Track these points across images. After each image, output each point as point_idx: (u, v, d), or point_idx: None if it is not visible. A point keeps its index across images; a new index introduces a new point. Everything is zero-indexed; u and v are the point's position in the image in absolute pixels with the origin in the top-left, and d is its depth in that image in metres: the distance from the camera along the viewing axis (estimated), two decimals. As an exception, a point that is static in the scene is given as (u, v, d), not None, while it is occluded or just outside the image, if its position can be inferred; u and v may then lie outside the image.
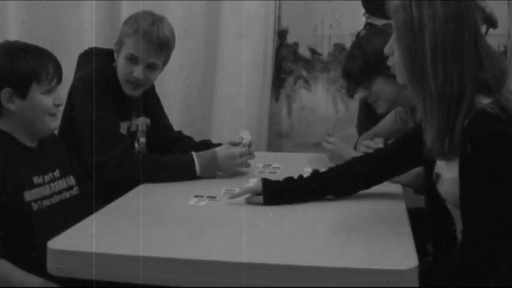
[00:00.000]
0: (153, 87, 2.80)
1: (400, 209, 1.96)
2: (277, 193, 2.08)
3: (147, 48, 2.52)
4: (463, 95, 1.73)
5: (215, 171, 2.50)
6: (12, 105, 2.02)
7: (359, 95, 2.68)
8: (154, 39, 2.52)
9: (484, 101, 1.72)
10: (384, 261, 1.56)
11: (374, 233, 1.76)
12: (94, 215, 1.94)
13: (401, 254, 1.60)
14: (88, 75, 2.50)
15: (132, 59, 2.53)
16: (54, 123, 2.14)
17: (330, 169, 2.17)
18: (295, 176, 2.13)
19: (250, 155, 2.58)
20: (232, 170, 2.53)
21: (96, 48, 2.71)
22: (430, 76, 1.75)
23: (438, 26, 1.75)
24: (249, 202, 2.07)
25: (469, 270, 1.68)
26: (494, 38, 3.23)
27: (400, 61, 1.84)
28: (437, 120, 1.76)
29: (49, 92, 2.07)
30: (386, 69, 2.17)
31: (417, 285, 1.51)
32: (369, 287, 1.50)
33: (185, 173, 2.46)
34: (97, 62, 2.57)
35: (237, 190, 2.11)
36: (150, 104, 2.80)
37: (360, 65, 2.49)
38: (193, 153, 2.50)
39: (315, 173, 2.15)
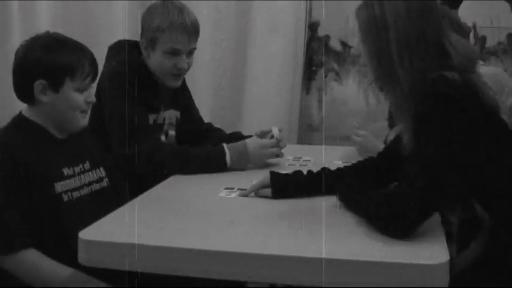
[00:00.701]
0: (183, 80, 2.81)
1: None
2: (285, 186, 2.08)
3: (187, 38, 2.53)
4: (419, 89, 1.74)
5: (246, 163, 2.50)
6: (44, 97, 2.03)
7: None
8: (190, 27, 2.54)
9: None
10: (415, 256, 1.55)
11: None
12: (125, 206, 1.95)
13: (432, 249, 1.59)
14: (116, 67, 2.51)
15: (173, 52, 2.54)
16: (84, 120, 2.13)
17: (338, 168, 2.17)
18: (305, 171, 2.13)
19: (281, 144, 2.58)
20: (262, 161, 2.53)
21: (123, 40, 2.72)
22: (399, 72, 1.76)
23: (401, 22, 1.76)
24: (258, 195, 2.08)
25: (392, 216, 1.66)
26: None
27: (367, 61, 1.84)
28: (411, 115, 1.76)
29: (82, 89, 2.08)
30: None
31: (448, 280, 1.50)
32: (400, 281, 1.50)
33: (216, 164, 2.46)
34: (124, 55, 2.57)
35: (248, 188, 2.11)
36: (181, 96, 2.81)
37: None
38: (224, 145, 2.50)
39: (324, 169, 2.14)
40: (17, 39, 3.55)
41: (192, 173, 2.40)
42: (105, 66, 2.59)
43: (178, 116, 2.80)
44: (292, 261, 1.54)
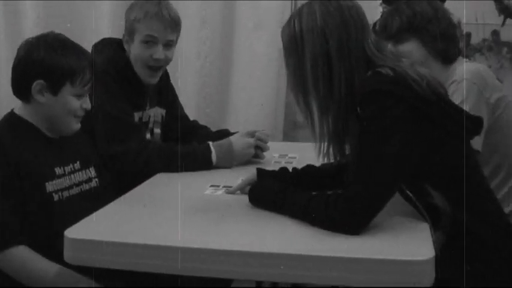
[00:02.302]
0: (167, 77, 2.80)
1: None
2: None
3: (162, 26, 2.53)
4: (354, 95, 1.75)
5: (231, 160, 2.50)
6: (41, 98, 2.03)
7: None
8: (167, 17, 2.54)
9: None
10: (400, 251, 1.56)
11: (390, 224, 1.75)
12: (111, 204, 1.95)
13: (418, 245, 1.59)
14: (101, 65, 2.50)
15: (150, 41, 2.53)
16: (77, 125, 2.13)
17: (323, 164, 2.17)
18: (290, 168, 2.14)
19: (265, 143, 2.59)
20: (246, 159, 2.53)
21: (108, 38, 2.71)
22: (311, 90, 1.79)
23: (317, 37, 1.78)
24: (244, 192, 2.07)
25: (332, 219, 1.68)
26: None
27: (288, 80, 1.87)
28: (327, 123, 1.81)
29: (80, 95, 2.07)
30: (424, 34, 2.20)
31: (433, 276, 1.51)
32: (386, 278, 1.50)
33: (201, 162, 2.46)
34: (109, 52, 2.57)
35: (234, 185, 2.11)
36: (165, 94, 2.80)
37: (404, 19, 2.48)
38: (210, 143, 2.50)
39: (310, 166, 2.15)
40: (1, 37, 3.54)
41: (178, 171, 2.40)
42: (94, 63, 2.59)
43: (164, 114, 2.80)
44: (278, 259, 1.54)
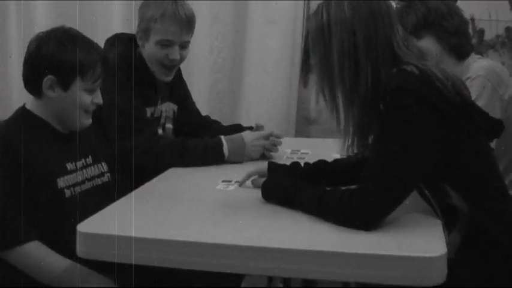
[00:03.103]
0: (179, 73, 2.80)
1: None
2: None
3: (179, 29, 2.53)
4: (379, 90, 1.74)
5: (243, 155, 2.51)
6: (52, 93, 2.02)
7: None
8: (184, 18, 2.53)
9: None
10: (412, 248, 1.56)
11: (402, 220, 1.75)
12: (123, 199, 1.95)
13: (430, 242, 1.59)
14: (113, 60, 2.50)
15: (165, 44, 2.53)
16: (88, 121, 2.11)
17: (335, 160, 2.18)
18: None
19: (277, 138, 2.59)
20: (258, 153, 2.54)
21: (120, 33, 2.71)
22: (337, 82, 1.77)
23: (345, 31, 1.76)
24: (254, 184, 2.08)
25: (346, 215, 1.68)
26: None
27: (314, 71, 1.85)
28: (352, 116, 1.79)
29: (91, 90, 2.07)
30: (439, 30, 2.20)
31: (445, 273, 1.51)
32: (398, 274, 1.50)
33: (213, 156, 2.47)
34: (121, 47, 2.57)
35: (244, 175, 2.12)
36: (177, 89, 2.81)
37: (420, 16, 2.49)
38: (222, 137, 2.50)
39: (321, 162, 2.15)
40: (14, 35, 3.55)
41: (189, 165, 2.40)
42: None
43: (176, 110, 2.80)
44: (289, 254, 1.54)
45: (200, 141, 2.50)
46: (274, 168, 2.12)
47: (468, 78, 2.42)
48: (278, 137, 2.62)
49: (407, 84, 1.69)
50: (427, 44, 2.47)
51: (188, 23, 2.56)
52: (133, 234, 1.61)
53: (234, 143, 2.51)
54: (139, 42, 2.59)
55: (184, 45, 2.59)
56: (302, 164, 2.14)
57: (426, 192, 1.84)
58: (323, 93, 1.84)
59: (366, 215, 1.67)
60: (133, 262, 1.62)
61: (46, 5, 3.60)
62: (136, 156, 2.38)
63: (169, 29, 2.51)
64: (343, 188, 1.83)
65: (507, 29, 3.43)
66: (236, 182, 2.14)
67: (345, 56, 1.76)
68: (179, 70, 2.81)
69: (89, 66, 2.02)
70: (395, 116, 1.69)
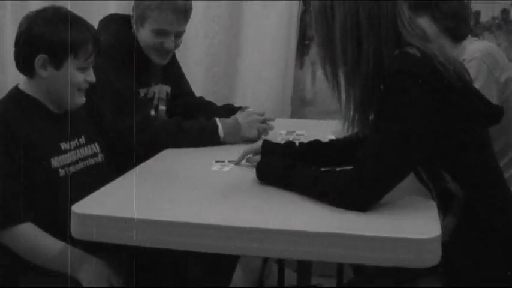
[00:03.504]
0: (173, 54, 2.80)
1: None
2: (276, 153, 2.09)
3: (176, 19, 2.52)
4: (381, 70, 1.74)
5: (238, 135, 2.51)
6: (44, 72, 2.02)
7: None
8: (181, 8, 2.53)
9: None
10: (406, 230, 1.56)
11: (397, 202, 1.75)
12: (118, 180, 1.95)
13: (424, 223, 1.60)
14: (108, 40, 2.49)
15: (160, 33, 2.53)
16: (81, 99, 2.11)
17: (331, 140, 2.18)
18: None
19: (270, 121, 2.61)
20: (253, 130, 2.55)
21: (115, 14, 2.71)
22: (340, 60, 1.77)
23: (348, 9, 1.75)
24: (248, 161, 2.11)
25: (342, 195, 1.69)
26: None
27: (317, 50, 1.85)
28: (353, 96, 1.79)
29: (83, 68, 2.06)
30: (435, 11, 2.23)
31: (439, 255, 1.51)
32: (392, 256, 1.50)
33: (209, 137, 2.47)
34: (116, 28, 2.57)
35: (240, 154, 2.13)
36: (171, 71, 2.80)
37: None
38: (217, 119, 2.50)
39: (316, 141, 2.15)
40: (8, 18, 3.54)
41: (184, 146, 2.41)
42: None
43: (169, 91, 2.80)
44: (284, 235, 1.55)
45: (195, 123, 2.50)
46: (269, 147, 2.12)
47: (464, 60, 2.41)
48: (270, 120, 2.62)
49: (409, 67, 1.68)
50: (423, 24, 2.45)
51: (185, 12, 2.55)
52: (128, 215, 1.62)
53: (229, 125, 2.51)
54: (134, 26, 2.58)
55: (179, 35, 2.59)
56: (297, 144, 2.13)
57: (423, 175, 1.85)
58: (325, 72, 1.84)
59: (362, 196, 1.67)
60: (131, 243, 1.62)
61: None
62: (130, 137, 2.37)
63: (166, 18, 2.51)
64: (338, 168, 1.83)
65: (503, 11, 3.42)
66: (230, 161, 2.15)
67: (348, 34, 1.75)
68: (174, 55, 2.81)
69: (81, 44, 2.02)
70: (396, 98, 1.69)
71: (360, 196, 1.68)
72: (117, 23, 2.60)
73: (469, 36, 2.57)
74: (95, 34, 2.09)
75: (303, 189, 1.79)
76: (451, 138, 1.75)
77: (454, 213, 1.78)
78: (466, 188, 1.77)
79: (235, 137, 2.50)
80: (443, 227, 1.62)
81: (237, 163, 2.12)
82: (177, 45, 2.62)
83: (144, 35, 2.55)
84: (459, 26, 2.53)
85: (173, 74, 2.82)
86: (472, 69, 2.37)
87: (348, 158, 1.95)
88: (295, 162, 1.91)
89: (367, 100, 1.79)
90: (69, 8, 2.09)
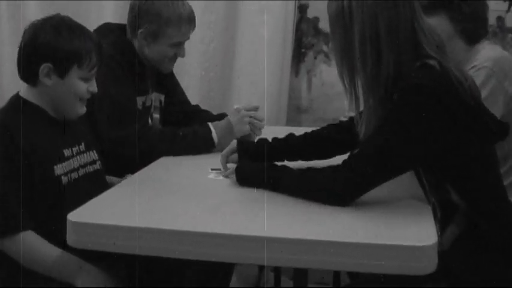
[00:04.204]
0: None
1: (419, 187, 1.96)
2: (251, 151, 2.12)
3: (189, 28, 2.59)
4: (401, 76, 1.74)
5: (232, 136, 2.51)
6: (48, 81, 2.01)
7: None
8: (192, 18, 2.59)
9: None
10: (403, 237, 1.56)
11: (393, 209, 1.76)
12: (114, 188, 1.95)
13: (420, 231, 1.60)
14: (106, 50, 2.49)
15: (177, 45, 2.58)
16: (82, 109, 2.12)
17: (305, 133, 2.19)
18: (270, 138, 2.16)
19: (260, 120, 2.63)
20: (245, 126, 2.57)
21: (110, 23, 2.71)
22: (359, 68, 1.77)
23: (367, 15, 1.74)
24: (227, 162, 2.12)
25: (331, 190, 1.73)
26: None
27: (334, 56, 1.84)
28: (373, 106, 1.80)
29: (87, 78, 2.06)
30: (454, 11, 2.28)
31: (436, 262, 1.51)
32: (388, 263, 1.50)
33: (203, 143, 2.48)
34: (113, 38, 2.57)
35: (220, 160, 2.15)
36: (165, 79, 2.80)
37: None
38: (210, 124, 2.51)
39: (290, 135, 2.17)
40: (5, 26, 3.54)
41: (180, 154, 2.41)
42: None
43: (163, 99, 2.80)
44: (279, 243, 1.55)
45: (189, 129, 2.51)
46: (244, 146, 2.13)
47: (474, 66, 2.38)
48: (260, 119, 2.64)
49: (428, 82, 1.68)
50: (439, 22, 2.42)
51: (194, 21, 2.61)
52: (124, 223, 1.61)
53: (222, 128, 2.52)
54: (141, 41, 2.58)
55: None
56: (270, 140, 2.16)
57: (426, 186, 1.85)
58: (342, 79, 1.83)
59: (349, 191, 1.72)
60: (127, 252, 1.62)
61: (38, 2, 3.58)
62: (127, 146, 2.38)
63: (184, 31, 2.57)
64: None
65: (498, 18, 3.43)
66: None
67: (367, 41, 1.74)
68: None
69: (86, 55, 2.02)
70: (406, 109, 1.70)
71: (347, 191, 1.71)
72: (114, 33, 2.60)
73: (485, 40, 2.52)
74: (99, 45, 2.09)
75: (288, 187, 1.81)
76: (457, 153, 1.75)
77: (457, 224, 1.79)
78: (469, 201, 1.78)
79: (230, 139, 2.49)
80: (445, 237, 1.62)
81: (227, 175, 2.09)
82: (183, 55, 2.67)
83: (158, 49, 2.58)
84: (476, 28, 2.47)
85: (167, 82, 2.83)
86: (480, 77, 2.34)
87: (323, 150, 2.05)
88: (275, 164, 1.93)
89: (383, 108, 1.79)
90: (61, 14, 2.10)
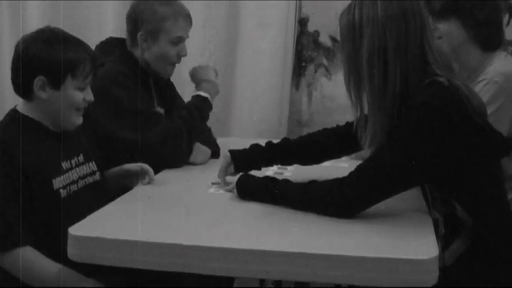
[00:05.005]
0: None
1: (420, 199, 1.96)
2: (246, 159, 2.12)
3: (189, 25, 2.63)
4: (408, 91, 1.75)
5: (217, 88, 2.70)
6: (43, 94, 2.01)
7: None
8: (188, 13, 2.63)
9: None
10: (404, 250, 1.56)
11: (394, 223, 1.76)
12: (115, 202, 1.95)
13: (421, 244, 1.59)
14: (115, 67, 2.52)
15: (178, 41, 2.59)
16: (79, 119, 2.12)
17: (300, 137, 2.22)
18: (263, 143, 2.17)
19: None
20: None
21: (114, 38, 2.72)
22: (365, 81, 1.78)
23: (377, 29, 1.75)
24: (224, 175, 2.12)
25: (335, 203, 1.75)
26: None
27: (343, 67, 1.85)
28: (378, 120, 1.80)
29: (82, 88, 2.06)
30: (467, 17, 2.27)
31: (437, 275, 1.51)
32: (389, 276, 1.50)
33: (204, 108, 2.63)
34: (119, 52, 2.58)
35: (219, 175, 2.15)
36: (166, 92, 2.80)
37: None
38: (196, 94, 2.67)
39: (284, 140, 2.19)
40: (6, 37, 3.55)
41: (199, 133, 2.57)
42: (104, 62, 2.60)
43: (163, 113, 2.80)
44: (281, 256, 1.55)
45: (185, 110, 2.60)
46: (238, 156, 2.13)
47: (483, 80, 2.37)
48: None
49: (436, 101, 1.70)
50: (451, 28, 2.43)
51: (190, 18, 2.64)
52: (125, 237, 1.61)
53: (208, 87, 2.67)
54: (142, 45, 2.59)
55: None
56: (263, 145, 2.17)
57: (431, 201, 1.86)
58: (349, 92, 1.85)
59: (354, 204, 1.74)
60: (128, 266, 1.62)
61: (40, 8, 3.60)
62: (154, 149, 2.42)
63: (182, 25, 2.59)
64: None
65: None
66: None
67: (375, 56, 1.75)
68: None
69: (78, 64, 2.02)
70: (413, 125, 1.71)
71: (351, 203, 1.73)
72: (118, 47, 2.61)
73: (501, 51, 2.49)
74: (91, 53, 2.09)
75: (290, 200, 1.83)
76: (463, 169, 1.76)
77: (463, 240, 1.79)
78: (475, 216, 1.78)
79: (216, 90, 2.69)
80: (449, 252, 1.62)
81: (229, 189, 2.07)
82: (185, 54, 2.67)
83: (158, 49, 2.59)
84: (492, 35, 2.44)
85: (168, 95, 2.83)
86: (490, 92, 2.33)
87: (317, 155, 2.11)
88: (274, 177, 1.95)
89: (389, 123, 1.80)
90: (62, 26, 2.11)
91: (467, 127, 1.71)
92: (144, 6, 2.59)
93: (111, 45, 2.64)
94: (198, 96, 2.65)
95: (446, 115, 1.68)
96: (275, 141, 2.18)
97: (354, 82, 1.81)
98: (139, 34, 2.59)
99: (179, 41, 2.60)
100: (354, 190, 1.73)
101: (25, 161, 1.94)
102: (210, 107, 2.68)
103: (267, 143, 2.16)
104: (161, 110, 2.78)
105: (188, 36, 2.65)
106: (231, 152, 2.14)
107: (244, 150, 2.15)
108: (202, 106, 2.63)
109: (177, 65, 2.70)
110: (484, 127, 1.76)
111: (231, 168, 2.13)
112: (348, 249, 1.57)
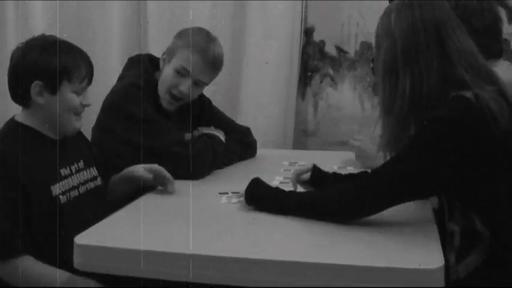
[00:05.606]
0: (209, 101, 2.88)
1: (425, 208, 1.96)
2: (322, 178, 2.14)
3: (202, 64, 2.52)
4: (431, 93, 1.77)
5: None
6: (41, 99, 2.03)
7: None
8: (211, 57, 2.53)
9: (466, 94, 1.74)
10: (410, 260, 1.56)
11: (400, 232, 1.76)
12: (121, 211, 1.95)
13: (427, 254, 1.59)
14: (132, 79, 2.52)
15: (182, 73, 2.52)
16: (79, 123, 2.13)
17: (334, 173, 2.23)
18: None
19: None
20: None
21: (145, 54, 2.72)
22: (379, 89, 1.85)
23: (388, 41, 1.81)
24: (295, 181, 2.14)
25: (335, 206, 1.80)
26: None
27: (377, 68, 1.88)
28: (387, 125, 1.85)
29: (79, 92, 2.08)
30: (466, 27, 2.18)
31: (443, 285, 1.51)
32: (395, 285, 1.50)
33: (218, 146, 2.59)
34: (139, 68, 2.57)
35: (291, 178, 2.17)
36: (203, 120, 2.80)
37: None
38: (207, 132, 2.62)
39: (363, 173, 2.16)
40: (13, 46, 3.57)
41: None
42: (121, 75, 2.63)
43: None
44: (286, 266, 1.55)
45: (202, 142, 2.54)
46: (318, 170, 2.18)
47: None
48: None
49: (455, 115, 1.71)
50: None
51: (212, 64, 2.56)
52: (132, 246, 1.61)
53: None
54: (162, 64, 2.59)
55: (198, 83, 2.58)
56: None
57: (446, 213, 1.86)
58: (376, 93, 1.90)
59: (363, 208, 1.77)
60: (134, 275, 1.62)
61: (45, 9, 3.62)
62: (176, 154, 2.41)
63: (191, 58, 2.49)
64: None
65: (504, 41, 3.42)
66: (233, 192, 2.14)
67: (387, 65, 1.81)
68: (209, 102, 2.87)
69: (73, 67, 2.04)
70: (427, 139, 1.73)
71: (361, 208, 1.76)
72: (140, 65, 2.60)
73: (503, 61, 2.48)
74: (86, 58, 2.11)
75: (298, 208, 1.84)
76: (484, 184, 1.77)
77: (479, 253, 1.78)
78: (494, 230, 1.78)
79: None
80: (463, 265, 1.63)
81: (294, 187, 2.12)
82: (193, 95, 2.59)
83: (166, 71, 2.55)
84: (491, 44, 2.40)
85: (207, 122, 2.81)
86: None
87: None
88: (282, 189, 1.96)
89: (400, 130, 1.82)
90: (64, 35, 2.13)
91: (485, 142, 1.71)
92: (183, 30, 2.59)
93: (136, 61, 2.64)
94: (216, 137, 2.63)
95: (462, 131, 1.70)
96: (356, 171, 2.21)
97: (376, 87, 1.87)
98: (164, 52, 2.58)
99: (184, 73, 2.52)
100: (370, 191, 1.77)
101: (23, 171, 1.95)
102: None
103: (349, 173, 2.19)
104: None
105: (201, 79, 2.58)
106: (315, 165, 2.17)
107: (326, 172, 2.18)
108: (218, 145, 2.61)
109: None
110: (506, 140, 1.76)
111: (307, 176, 2.15)
112: (352, 258, 1.57)
